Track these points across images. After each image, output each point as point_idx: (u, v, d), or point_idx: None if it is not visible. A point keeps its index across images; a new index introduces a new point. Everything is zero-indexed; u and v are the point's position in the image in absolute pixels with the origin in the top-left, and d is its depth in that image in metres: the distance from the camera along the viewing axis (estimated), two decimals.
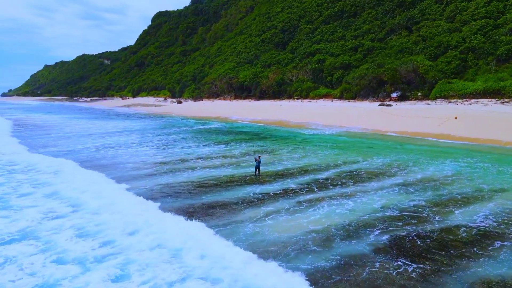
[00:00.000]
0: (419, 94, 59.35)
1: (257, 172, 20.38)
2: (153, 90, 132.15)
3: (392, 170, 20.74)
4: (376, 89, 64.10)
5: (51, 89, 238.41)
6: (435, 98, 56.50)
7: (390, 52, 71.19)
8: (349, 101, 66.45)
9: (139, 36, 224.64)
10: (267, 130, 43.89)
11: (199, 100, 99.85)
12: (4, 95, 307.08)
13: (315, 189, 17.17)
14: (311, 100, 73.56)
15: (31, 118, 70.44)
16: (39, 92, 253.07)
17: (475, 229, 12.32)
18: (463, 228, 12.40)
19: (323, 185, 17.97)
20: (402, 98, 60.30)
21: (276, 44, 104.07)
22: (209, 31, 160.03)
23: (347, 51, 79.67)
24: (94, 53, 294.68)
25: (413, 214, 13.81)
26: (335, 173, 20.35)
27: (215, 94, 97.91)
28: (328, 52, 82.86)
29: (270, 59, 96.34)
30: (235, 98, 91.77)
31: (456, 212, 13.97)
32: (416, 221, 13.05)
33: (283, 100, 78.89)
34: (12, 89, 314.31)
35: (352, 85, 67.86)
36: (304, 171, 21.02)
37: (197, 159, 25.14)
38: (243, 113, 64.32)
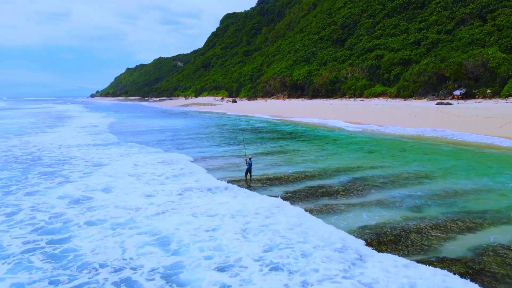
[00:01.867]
0: (488, 91, 51.46)
1: (248, 175, 18.19)
2: (214, 89, 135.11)
3: (401, 181, 17.17)
4: (436, 86, 57.14)
5: (128, 90, 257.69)
6: (506, 96, 48.42)
7: (457, 44, 63.16)
8: (405, 100, 60.23)
9: (207, 38, 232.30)
10: (300, 128, 41.12)
11: (253, 100, 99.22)
12: (92, 96, 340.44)
13: (301, 198, 14.42)
14: (364, 99, 68.31)
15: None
16: (118, 92, 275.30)
17: None
18: None
19: (315, 194, 15.22)
20: (466, 96, 52.84)
21: (335, 41, 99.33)
22: (272, 31, 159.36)
23: (408, 46, 72.68)
24: (169, 56, 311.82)
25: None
26: (343, 180, 17.25)
27: (269, 93, 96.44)
28: (388, 47, 76.47)
29: (327, 56, 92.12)
30: (288, 97, 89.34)
31: None
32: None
33: (335, 99, 74.56)
34: (99, 90, 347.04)
35: (409, 82, 61.44)
36: (302, 177, 17.95)
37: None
38: (291, 112, 61.78)
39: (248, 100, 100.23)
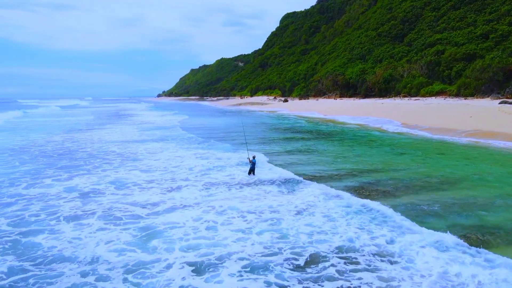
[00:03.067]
0: None
1: (252, 174, 17.35)
2: (268, 89, 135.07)
3: (411, 189, 15.17)
4: (502, 83, 50.91)
5: (189, 90, 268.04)
6: None
7: None
8: (465, 99, 54.56)
9: (267, 38, 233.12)
10: (339, 128, 39.08)
11: (305, 99, 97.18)
12: (158, 95, 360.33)
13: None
14: (420, 98, 63.18)
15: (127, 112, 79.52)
16: (180, 92, 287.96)
17: None
18: None
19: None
20: None
21: (394, 37, 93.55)
22: (330, 29, 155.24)
23: (474, 39, 65.88)
24: (231, 56, 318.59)
25: None
26: (347, 184, 15.91)
27: (321, 93, 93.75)
28: (451, 42, 70.02)
29: (383, 53, 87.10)
30: (340, 96, 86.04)
31: None
32: None
33: (388, 99, 70.02)
34: (165, 90, 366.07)
35: (471, 80, 55.55)
36: (312, 177, 16.74)
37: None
38: (338, 111, 59.19)
39: (300, 100, 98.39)
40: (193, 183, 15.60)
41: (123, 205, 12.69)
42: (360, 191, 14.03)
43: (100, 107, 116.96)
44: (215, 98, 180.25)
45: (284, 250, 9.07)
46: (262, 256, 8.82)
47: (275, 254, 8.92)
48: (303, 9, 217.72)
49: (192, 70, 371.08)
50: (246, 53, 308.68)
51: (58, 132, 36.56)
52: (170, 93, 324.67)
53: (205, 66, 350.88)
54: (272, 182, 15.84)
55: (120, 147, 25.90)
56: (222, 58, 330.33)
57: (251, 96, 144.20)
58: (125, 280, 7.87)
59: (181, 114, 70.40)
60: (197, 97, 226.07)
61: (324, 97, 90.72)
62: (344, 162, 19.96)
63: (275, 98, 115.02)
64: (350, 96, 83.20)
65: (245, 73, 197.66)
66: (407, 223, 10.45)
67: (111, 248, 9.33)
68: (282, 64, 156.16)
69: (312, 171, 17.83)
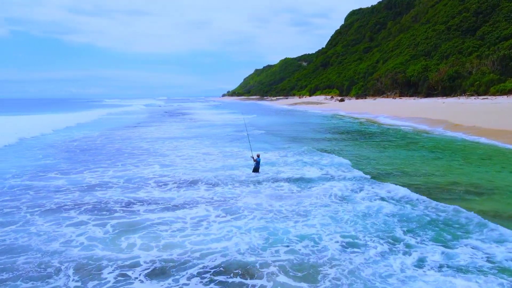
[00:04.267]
0: None
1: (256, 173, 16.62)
2: (327, 88, 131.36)
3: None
4: None
5: (251, 90, 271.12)
6: None
7: None
8: None
9: (330, 36, 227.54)
10: (381, 129, 36.35)
11: (362, 98, 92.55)
12: (223, 95, 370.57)
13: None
14: (488, 97, 56.44)
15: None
16: (242, 92, 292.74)
17: None
18: None
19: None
20: None
21: (464, 30, 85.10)
22: (397, 25, 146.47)
23: None
24: (294, 56, 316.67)
25: None
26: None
27: (379, 92, 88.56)
28: None
29: (451, 48, 79.65)
30: (399, 96, 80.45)
31: None
32: None
33: (453, 97, 63.68)
34: (229, 90, 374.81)
35: None
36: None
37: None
38: (391, 111, 55.27)
39: (356, 99, 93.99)
40: (207, 180, 15.00)
41: (123, 200, 12.49)
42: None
43: (169, 106, 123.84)
44: (275, 98, 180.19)
45: None
46: None
47: None
48: (369, 6, 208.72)
49: (256, 70, 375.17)
50: (310, 53, 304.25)
51: (103, 129, 38.71)
52: (233, 93, 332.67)
53: (269, 66, 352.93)
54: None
55: (151, 143, 26.32)
56: (286, 58, 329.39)
57: (310, 95, 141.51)
58: (67, 276, 7.56)
59: (236, 113, 71.35)
60: (258, 96, 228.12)
61: (382, 97, 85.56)
62: (371, 164, 18.08)
63: (332, 97, 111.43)
64: (410, 95, 77.38)
65: (306, 72, 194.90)
66: None
67: (76, 244, 9.07)
68: (344, 62, 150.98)
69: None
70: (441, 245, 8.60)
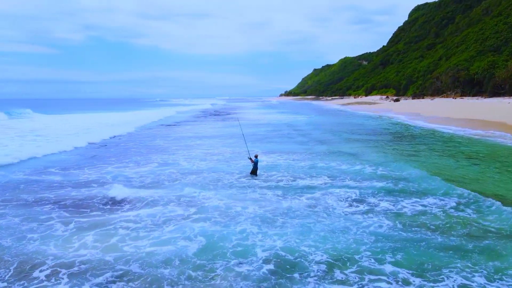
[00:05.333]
0: None
1: (254, 175, 16.14)
2: (383, 88, 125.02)
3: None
4: None
5: (307, 90, 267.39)
6: None
7: None
8: None
9: (392, 34, 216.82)
10: (421, 132, 33.63)
11: (419, 98, 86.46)
12: (280, 95, 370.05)
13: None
14: None
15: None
16: (299, 92, 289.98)
17: None
18: None
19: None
20: None
21: None
22: (466, 18, 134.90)
23: None
24: (355, 55, 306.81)
25: None
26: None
27: (439, 91, 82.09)
28: None
29: None
30: (461, 96, 73.86)
31: None
32: None
33: None
34: (287, 90, 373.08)
35: None
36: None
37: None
38: (447, 113, 50.96)
39: (413, 99, 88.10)
40: (191, 181, 14.80)
41: (101, 197, 12.67)
42: None
43: (224, 105, 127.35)
44: (330, 98, 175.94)
45: None
46: None
47: None
48: (436, 0, 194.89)
49: (314, 70, 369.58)
50: (371, 51, 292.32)
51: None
52: (289, 93, 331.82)
53: (328, 66, 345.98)
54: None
55: (172, 141, 27.14)
56: (345, 57, 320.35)
57: (366, 95, 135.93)
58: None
59: (284, 112, 70.97)
60: (313, 96, 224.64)
61: (442, 96, 79.19)
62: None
63: (387, 97, 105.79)
64: (473, 95, 70.66)
65: (364, 71, 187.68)
66: None
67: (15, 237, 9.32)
68: (404, 61, 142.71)
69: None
70: None
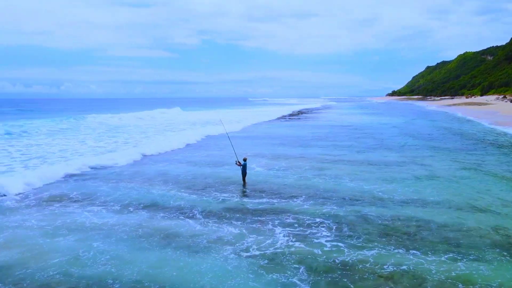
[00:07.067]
0: None
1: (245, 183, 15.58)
2: (503, 86, 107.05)
3: None
4: None
5: (413, 90, 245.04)
6: None
7: None
8: None
9: None
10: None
11: None
12: (387, 95, 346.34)
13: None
14: None
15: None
16: (405, 92, 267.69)
17: None
18: None
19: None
20: None
21: None
22: None
23: None
24: (477, 50, 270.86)
25: None
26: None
27: None
28: None
29: None
30: None
31: None
32: None
33: None
34: (395, 90, 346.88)
35: None
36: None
37: None
38: None
39: None
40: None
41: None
42: None
43: (320, 105, 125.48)
44: (438, 98, 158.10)
45: None
46: None
47: None
48: None
49: (427, 67, 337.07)
50: (498, 45, 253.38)
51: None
52: (394, 93, 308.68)
53: (443, 63, 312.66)
54: None
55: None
56: (465, 53, 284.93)
57: (480, 95, 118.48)
58: None
59: (374, 114, 66.92)
60: (420, 96, 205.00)
61: None
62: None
63: (504, 97, 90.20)
64: None
65: (484, 68, 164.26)
66: None
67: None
68: None
69: None
70: None
